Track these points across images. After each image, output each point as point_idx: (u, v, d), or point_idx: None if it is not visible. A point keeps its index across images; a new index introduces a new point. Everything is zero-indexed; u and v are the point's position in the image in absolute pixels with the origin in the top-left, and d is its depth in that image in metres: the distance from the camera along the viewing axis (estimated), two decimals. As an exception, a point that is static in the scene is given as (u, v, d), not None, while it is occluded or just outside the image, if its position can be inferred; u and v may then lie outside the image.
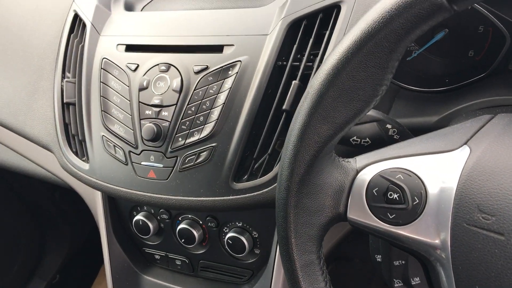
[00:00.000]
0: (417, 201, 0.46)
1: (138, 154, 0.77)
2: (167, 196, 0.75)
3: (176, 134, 0.74)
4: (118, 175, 0.79)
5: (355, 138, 0.58)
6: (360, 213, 0.49)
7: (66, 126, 0.87)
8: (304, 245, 0.50)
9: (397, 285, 0.52)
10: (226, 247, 0.84)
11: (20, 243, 1.68)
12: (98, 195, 0.92)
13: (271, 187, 0.70)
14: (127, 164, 0.78)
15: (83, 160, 0.84)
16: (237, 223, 0.84)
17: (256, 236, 0.83)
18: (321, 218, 0.50)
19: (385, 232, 0.48)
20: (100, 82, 0.81)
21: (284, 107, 0.69)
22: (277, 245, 0.81)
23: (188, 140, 0.73)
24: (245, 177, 0.73)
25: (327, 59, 0.45)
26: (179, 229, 0.86)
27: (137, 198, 0.78)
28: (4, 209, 1.60)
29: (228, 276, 0.90)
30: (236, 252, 0.84)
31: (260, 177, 0.71)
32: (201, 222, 0.87)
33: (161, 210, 0.89)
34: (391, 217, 0.47)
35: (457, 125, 0.53)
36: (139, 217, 0.90)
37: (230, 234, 0.83)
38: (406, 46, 0.43)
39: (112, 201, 0.93)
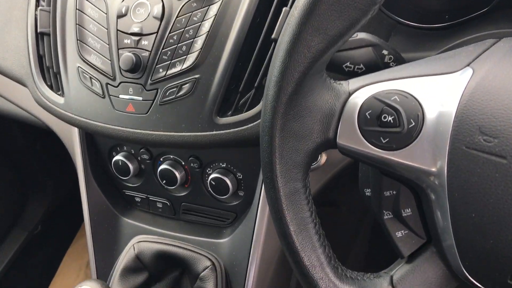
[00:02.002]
0: (413, 123, 0.43)
1: (116, 87, 0.72)
2: (147, 132, 0.71)
3: (156, 65, 0.69)
4: (95, 109, 0.74)
5: (348, 64, 0.54)
6: (350, 138, 0.45)
7: (40, 58, 0.82)
8: (290, 172, 0.46)
9: (386, 217, 0.49)
10: (209, 188, 0.81)
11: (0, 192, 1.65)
12: (75, 133, 0.88)
13: (256, 122, 0.66)
14: (104, 97, 0.73)
15: (58, 94, 0.79)
16: (221, 164, 0.80)
17: (241, 177, 0.80)
18: (309, 143, 0.46)
19: (377, 158, 0.44)
20: (76, 9, 0.75)
21: (273, 36, 0.64)
22: (261, 188, 0.78)
23: (170, 71, 0.68)
24: (230, 112, 0.68)
25: None
26: (160, 170, 0.83)
27: (115, 133, 0.73)
28: (-17, 158, 1.56)
29: (211, 219, 0.87)
30: (220, 194, 0.81)
31: (245, 112, 0.67)
32: (183, 163, 0.83)
33: (141, 150, 0.85)
34: (384, 142, 0.44)
35: (459, 49, 0.49)
36: (118, 157, 0.86)
37: (213, 175, 0.80)
38: None
39: (90, 140, 0.89)
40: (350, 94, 0.46)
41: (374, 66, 0.54)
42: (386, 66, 0.54)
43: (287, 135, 0.46)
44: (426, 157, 0.42)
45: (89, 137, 0.89)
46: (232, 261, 0.81)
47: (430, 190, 0.44)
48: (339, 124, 0.46)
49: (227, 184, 0.79)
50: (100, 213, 0.91)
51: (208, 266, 0.80)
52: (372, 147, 0.44)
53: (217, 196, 0.82)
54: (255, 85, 0.67)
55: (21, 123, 1.54)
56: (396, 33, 0.72)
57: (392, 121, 0.43)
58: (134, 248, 0.85)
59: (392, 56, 0.54)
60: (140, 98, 0.71)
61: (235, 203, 0.83)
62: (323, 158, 0.75)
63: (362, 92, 0.45)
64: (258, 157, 0.77)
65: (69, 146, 0.92)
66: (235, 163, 0.79)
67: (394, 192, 0.48)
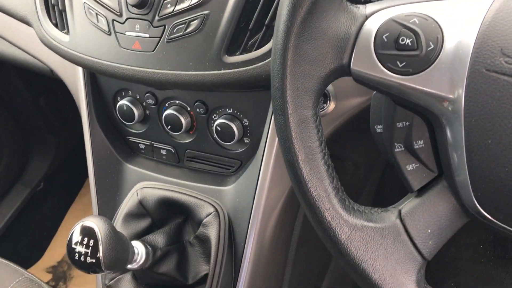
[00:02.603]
0: (432, 46, 0.41)
1: (122, 23, 0.70)
2: (153, 70, 0.69)
3: (164, 0, 0.67)
4: (101, 47, 0.73)
5: (364, -6, 0.52)
6: (366, 63, 0.44)
7: (45, -5, 0.80)
8: (300, 98, 0.45)
9: (398, 149, 0.47)
10: (215, 135, 0.80)
11: (2, 148, 1.64)
12: (80, 76, 0.86)
13: (266, 61, 0.64)
14: (110, 34, 0.71)
15: (63, 32, 0.78)
16: (227, 110, 0.79)
17: (247, 124, 0.79)
18: (322, 68, 0.45)
19: (392, 84, 0.43)
20: None
21: (286, -30, 0.62)
22: (267, 135, 0.77)
23: (178, 7, 0.66)
24: (238, 52, 0.67)
25: None
26: (166, 115, 0.82)
27: (120, 72, 0.72)
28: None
29: (215, 167, 0.86)
30: (225, 141, 0.79)
31: (255, 50, 0.65)
32: (189, 108, 0.82)
33: (146, 95, 0.84)
34: (400, 66, 0.42)
35: (483, -23, 0.47)
36: (123, 102, 0.85)
37: (219, 121, 0.78)
38: None
39: (94, 83, 0.88)
40: (367, 18, 0.44)
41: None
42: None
43: (299, 58, 0.44)
44: (443, 82, 0.41)
45: (94, 80, 0.87)
46: (236, 208, 0.80)
47: (445, 119, 0.42)
48: (354, 50, 0.44)
49: (233, 130, 0.78)
50: (104, 159, 0.90)
51: (211, 213, 0.79)
52: (388, 72, 0.43)
53: (222, 142, 0.81)
54: (266, 22, 0.65)
55: (24, 77, 1.53)
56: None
57: (410, 44, 0.41)
58: (137, 193, 0.84)
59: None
60: (147, 35, 0.69)
61: (240, 151, 0.82)
62: (331, 105, 0.74)
63: (379, 15, 0.44)
64: (265, 103, 0.76)
65: (73, 90, 0.91)
66: (242, 109, 0.78)
67: (407, 123, 0.47)
